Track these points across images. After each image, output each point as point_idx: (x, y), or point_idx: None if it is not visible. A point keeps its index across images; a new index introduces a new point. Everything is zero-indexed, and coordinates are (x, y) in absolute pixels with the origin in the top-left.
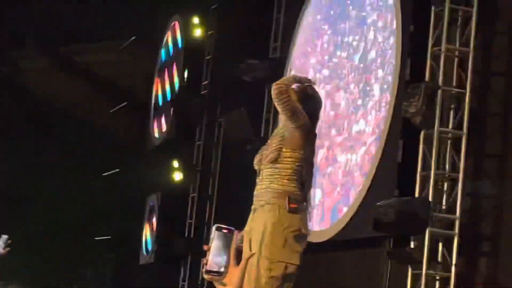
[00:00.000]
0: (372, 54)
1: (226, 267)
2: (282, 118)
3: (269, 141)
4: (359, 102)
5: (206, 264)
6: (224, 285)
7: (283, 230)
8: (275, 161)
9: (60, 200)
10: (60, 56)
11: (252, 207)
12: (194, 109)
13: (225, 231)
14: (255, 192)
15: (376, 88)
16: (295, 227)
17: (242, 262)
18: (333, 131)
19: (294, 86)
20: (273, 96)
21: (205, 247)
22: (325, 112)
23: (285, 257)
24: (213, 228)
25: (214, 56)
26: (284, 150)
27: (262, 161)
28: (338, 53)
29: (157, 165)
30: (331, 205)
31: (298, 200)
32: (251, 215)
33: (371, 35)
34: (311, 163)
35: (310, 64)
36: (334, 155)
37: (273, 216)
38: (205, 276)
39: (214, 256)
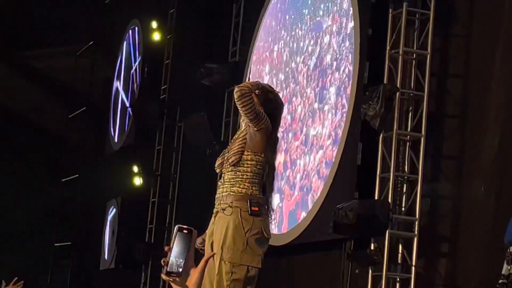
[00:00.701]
0: (328, 58)
1: (185, 268)
2: (244, 120)
3: (230, 144)
4: (316, 106)
5: (166, 265)
6: (183, 286)
7: (245, 233)
8: (236, 164)
9: (18, 206)
10: (17, 61)
11: (214, 210)
12: (153, 113)
13: (185, 231)
14: (216, 196)
15: (332, 92)
16: (256, 230)
17: (201, 263)
18: (290, 135)
19: (256, 91)
20: (235, 97)
21: (166, 248)
22: (282, 117)
23: (247, 260)
24: (175, 228)
25: (173, 60)
26: (245, 153)
27: (223, 164)
28: (294, 58)
29: (116, 170)
30: (289, 209)
31: (260, 204)
32: (212, 218)
33: (326, 40)
34: (272, 166)
35: (267, 69)
36: (292, 159)
37: (235, 219)
38: (164, 277)
39: (174, 257)
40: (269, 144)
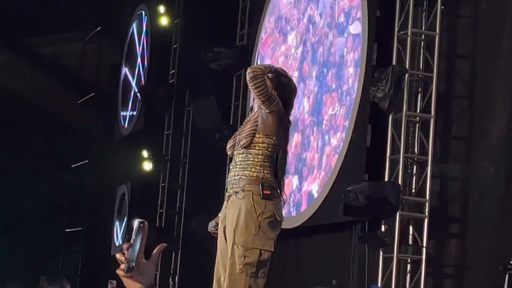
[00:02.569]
0: (342, 40)
1: (137, 261)
2: (256, 103)
3: (242, 126)
4: (333, 86)
5: (126, 261)
6: (136, 280)
7: (257, 217)
8: (248, 146)
9: (28, 193)
10: (25, 47)
11: (226, 194)
12: (162, 98)
13: (141, 225)
14: (228, 179)
15: (350, 72)
16: (269, 213)
17: (155, 256)
18: (307, 116)
19: (269, 74)
20: (248, 79)
21: (126, 245)
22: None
23: (259, 244)
24: (136, 223)
25: (181, 45)
26: (257, 135)
27: (235, 146)
28: (309, 38)
29: (126, 156)
30: (308, 189)
31: (272, 187)
32: (225, 203)
33: (340, 20)
34: (284, 149)
35: (280, 50)
36: (309, 140)
37: (247, 203)
38: (122, 274)
39: (135, 251)
40: (281, 126)
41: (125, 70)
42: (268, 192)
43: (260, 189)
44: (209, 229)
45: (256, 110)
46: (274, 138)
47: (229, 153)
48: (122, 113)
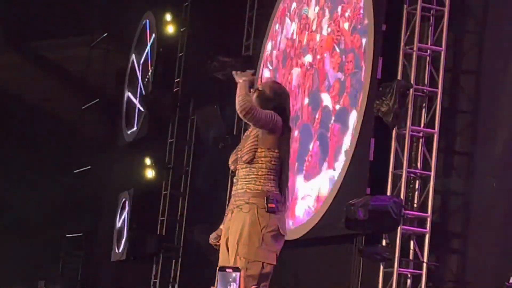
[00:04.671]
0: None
1: None
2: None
3: (242, 140)
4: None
5: None
6: None
7: (261, 230)
8: (250, 161)
9: (30, 197)
10: (31, 51)
11: (230, 206)
12: (167, 106)
13: (229, 270)
14: (232, 192)
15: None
16: (272, 227)
17: None
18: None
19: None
20: (240, 115)
21: None
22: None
23: (262, 257)
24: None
25: (186, 53)
26: (259, 150)
27: (237, 161)
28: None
29: (129, 162)
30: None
31: (277, 200)
32: (229, 215)
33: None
34: (287, 160)
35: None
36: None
37: (251, 215)
38: None
39: None
40: (282, 138)
41: (130, 76)
42: (273, 206)
43: (265, 202)
44: (210, 241)
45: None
46: (276, 151)
47: (232, 167)
48: (126, 119)
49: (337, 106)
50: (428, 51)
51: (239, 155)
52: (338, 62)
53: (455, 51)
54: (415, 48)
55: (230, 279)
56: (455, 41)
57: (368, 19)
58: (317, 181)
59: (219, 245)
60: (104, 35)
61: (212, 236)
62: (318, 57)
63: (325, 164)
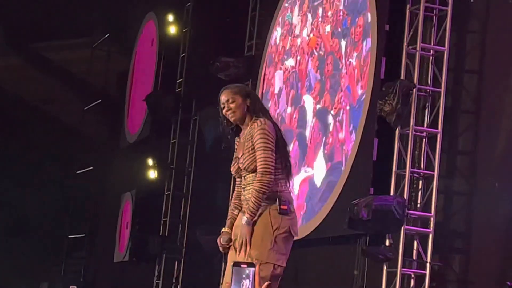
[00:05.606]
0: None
1: None
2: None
3: (237, 147)
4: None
5: None
6: None
7: (273, 231)
8: (254, 169)
9: (32, 198)
10: (32, 52)
11: (242, 209)
12: (169, 106)
13: (243, 266)
14: (242, 197)
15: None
16: (284, 229)
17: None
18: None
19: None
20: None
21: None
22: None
23: (273, 259)
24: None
25: (189, 53)
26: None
27: (240, 170)
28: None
29: (131, 163)
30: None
31: (289, 201)
32: (240, 215)
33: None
34: (287, 156)
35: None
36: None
37: (263, 218)
38: None
39: None
40: (277, 142)
41: (132, 77)
42: (285, 207)
43: (278, 204)
44: (220, 243)
45: (247, 130)
46: (274, 153)
47: (236, 176)
48: (128, 120)
49: (318, 106)
50: (431, 51)
51: (240, 165)
52: (317, 65)
53: (458, 51)
54: (418, 48)
55: (244, 275)
56: (458, 41)
57: (371, 19)
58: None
59: (229, 247)
60: (106, 36)
61: (223, 239)
62: (299, 58)
63: (304, 164)
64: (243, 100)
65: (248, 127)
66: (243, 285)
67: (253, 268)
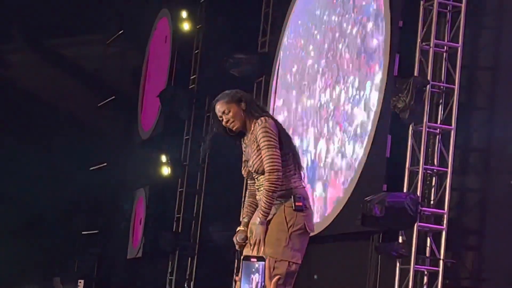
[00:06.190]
0: (374, 43)
1: None
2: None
3: (245, 151)
4: (361, 94)
5: None
6: None
7: (288, 228)
8: (263, 171)
9: (46, 194)
10: (47, 49)
11: (258, 208)
12: (182, 103)
13: (253, 260)
14: (257, 197)
15: (378, 79)
16: (299, 225)
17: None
18: (331, 124)
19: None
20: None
21: (236, 278)
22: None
23: (288, 256)
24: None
25: (202, 50)
26: None
27: (252, 173)
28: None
29: (145, 159)
30: (333, 198)
31: (304, 197)
32: (255, 213)
33: (369, 27)
34: (294, 149)
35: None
36: (335, 148)
37: (278, 214)
38: None
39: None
40: (280, 136)
41: (146, 73)
42: (300, 204)
43: (292, 201)
44: (236, 241)
45: (250, 132)
46: (279, 149)
47: (249, 179)
48: (142, 116)
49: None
50: (445, 47)
51: (250, 169)
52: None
53: (472, 47)
54: (431, 45)
55: (253, 269)
56: (472, 37)
57: (384, 16)
58: None
59: (245, 245)
60: (120, 32)
61: (239, 237)
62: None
63: None
64: (238, 106)
65: (251, 130)
66: (252, 279)
67: (263, 262)
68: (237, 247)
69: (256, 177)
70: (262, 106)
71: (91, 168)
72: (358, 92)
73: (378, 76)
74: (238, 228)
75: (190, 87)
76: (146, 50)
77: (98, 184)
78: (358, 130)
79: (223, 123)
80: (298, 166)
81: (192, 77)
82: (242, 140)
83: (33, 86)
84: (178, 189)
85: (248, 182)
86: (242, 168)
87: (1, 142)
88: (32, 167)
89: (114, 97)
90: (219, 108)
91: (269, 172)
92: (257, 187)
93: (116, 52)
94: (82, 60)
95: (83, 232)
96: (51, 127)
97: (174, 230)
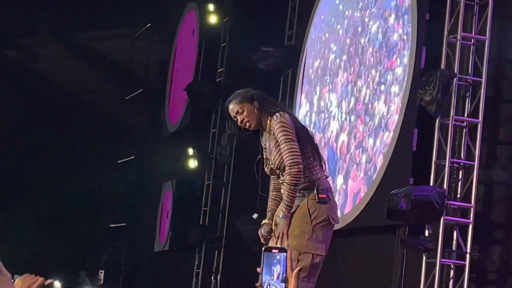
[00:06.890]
0: (395, 37)
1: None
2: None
3: (265, 148)
4: (382, 87)
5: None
6: None
7: (311, 221)
8: (285, 168)
9: (74, 187)
10: (75, 42)
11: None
12: (209, 96)
13: (274, 251)
14: (282, 191)
15: (399, 73)
16: (323, 217)
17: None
18: (353, 117)
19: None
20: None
21: (258, 270)
22: (347, 99)
23: (312, 248)
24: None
25: (229, 43)
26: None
27: (274, 170)
28: (359, 37)
29: (172, 152)
30: (354, 191)
31: (327, 189)
32: (280, 206)
33: (390, 22)
34: (312, 141)
35: (330, 50)
36: (357, 141)
37: (302, 207)
38: None
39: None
40: (297, 129)
41: (173, 66)
42: (323, 196)
43: (316, 193)
44: (261, 234)
45: (268, 130)
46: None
47: (272, 175)
48: (169, 109)
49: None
50: (472, 40)
51: (272, 167)
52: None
53: (499, 40)
54: (458, 37)
55: (275, 260)
56: (500, 30)
57: (411, 8)
58: None
59: (270, 238)
60: (148, 25)
61: (264, 230)
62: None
63: None
64: (251, 105)
65: (268, 126)
66: (274, 271)
67: (285, 253)
68: (262, 240)
69: (279, 173)
70: (275, 101)
71: (119, 161)
72: (379, 86)
73: (399, 70)
74: (263, 221)
75: (217, 80)
76: (174, 43)
77: (126, 177)
78: (379, 124)
79: (238, 123)
80: (319, 156)
81: (219, 70)
82: (260, 138)
83: (61, 80)
84: (205, 182)
85: (272, 178)
86: (264, 165)
87: (29, 136)
88: (60, 160)
89: (141, 90)
90: (232, 108)
91: (290, 166)
92: (281, 181)
93: (143, 46)
94: (110, 54)
95: (110, 225)
96: (79, 120)
97: (201, 223)
